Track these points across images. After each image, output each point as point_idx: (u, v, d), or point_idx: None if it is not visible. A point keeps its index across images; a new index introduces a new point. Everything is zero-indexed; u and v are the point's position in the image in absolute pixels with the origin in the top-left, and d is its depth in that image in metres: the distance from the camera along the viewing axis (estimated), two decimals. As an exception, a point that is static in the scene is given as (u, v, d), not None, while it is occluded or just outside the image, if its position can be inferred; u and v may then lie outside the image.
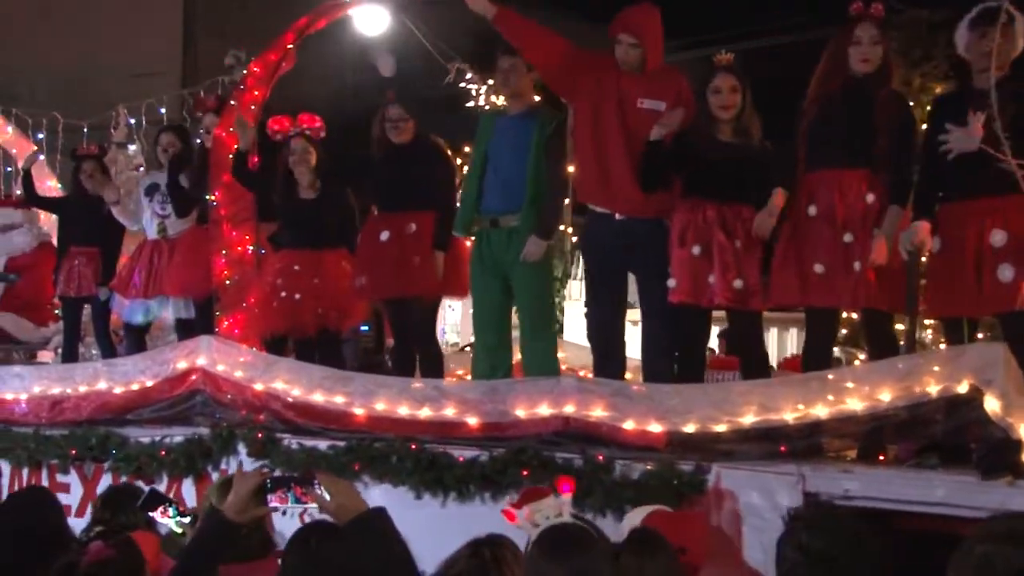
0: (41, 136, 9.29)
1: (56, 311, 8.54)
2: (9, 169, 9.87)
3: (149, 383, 6.43)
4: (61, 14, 15.37)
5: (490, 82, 7.77)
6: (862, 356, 6.55)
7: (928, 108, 5.24)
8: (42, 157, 9.50)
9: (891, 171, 4.78)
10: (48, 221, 8.84)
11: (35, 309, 8.48)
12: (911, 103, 5.32)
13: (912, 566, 3.19)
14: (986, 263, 4.47)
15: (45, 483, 6.61)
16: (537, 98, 6.06)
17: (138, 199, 7.38)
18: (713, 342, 8.06)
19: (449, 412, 5.35)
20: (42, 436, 6.69)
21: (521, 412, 5.11)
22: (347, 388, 5.72)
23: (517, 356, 6.04)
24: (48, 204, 8.39)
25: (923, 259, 4.80)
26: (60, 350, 8.39)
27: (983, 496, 3.88)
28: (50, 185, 9.60)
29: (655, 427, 4.72)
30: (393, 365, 6.39)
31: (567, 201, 6.73)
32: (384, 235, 6.04)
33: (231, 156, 6.62)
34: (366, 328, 6.99)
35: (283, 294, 6.26)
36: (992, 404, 4.04)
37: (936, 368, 4.15)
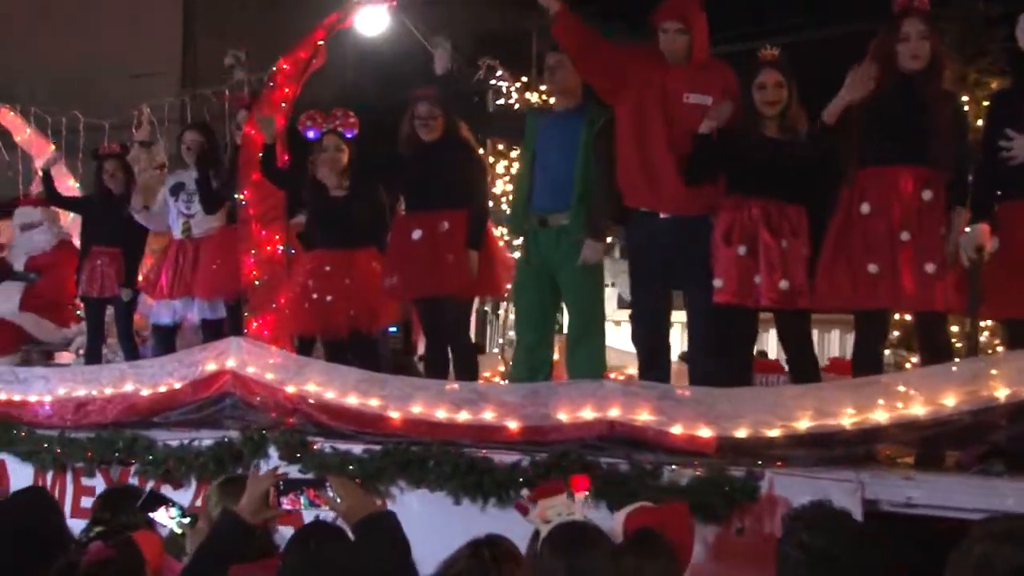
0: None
1: (78, 312, 8.43)
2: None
3: (177, 385, 6.33)
4: (61, 14, 15.31)
5: (525, 79, 7.66)
6: (913, 359, 6.42)
7: (984, 104, 5.11)
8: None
9: (948, 171, 4.66)
10: (68, 221, 8.74)
11: (56, 309, 8.36)
12: (966, 98, 5.19)
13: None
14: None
15: (70, 486, 6.54)
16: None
17: (163, 199, 7.28)
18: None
19: (488, 415, 5.24)
20: (67, 439, 6.59)
21: (563, 416, 5.00)
22: (382, 391, 5.62)
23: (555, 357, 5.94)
24: (70, 204, 8.29)
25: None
26: (81, 351, 8.30)
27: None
28: (69, 185, 9.52)
29: (704, 432, 4.60)
30: (426, 366, 6.28)
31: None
32: (416, 234, 5.92)
33: (260, 154, 6.50)
34: (394, 330, 6.87)
35: (314, 295, 6.14)
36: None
37: (1003, 372, 4.03)
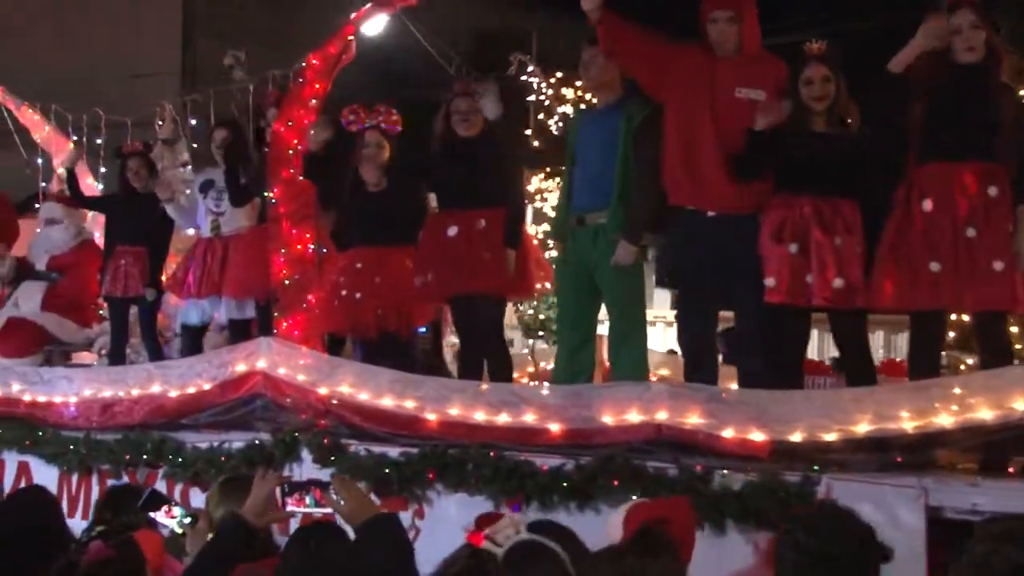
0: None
1: (100, 311, 8.33)
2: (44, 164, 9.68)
3: (206, 386, 6.23)
4: (61, 15, 15.30)
5: (559, 75, 7.54)
6: (969, 361, 6.29)
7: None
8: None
9: (1013, 166, 4.53)
10: (90, 220, 8.64)
11: (78, 309, 8.24)
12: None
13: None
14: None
15: (96, 489, 6.44)
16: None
17: (193, 196, 7.18)
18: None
19: (529, 418, 5.12)
20: (93, 441, 6.51)
21: (608, 419, 4.87)
22: (418, 392, 5.50)
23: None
24: (94, 203, 8.19)
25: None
26: (103, 351, 8.20)
27: None
28: (88, 183, 9.42)
29: (757, 435, 4.47)
30: (460, 367, 6.15)
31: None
32: (452, 231, 5.80)
33: (291, 152, 6.38)
34: (423, 330, 6.74)
35: (343, 293, 6.02)
36: None
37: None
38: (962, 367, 6.37)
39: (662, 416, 4.70)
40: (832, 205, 4.81)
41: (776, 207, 4.88)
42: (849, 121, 4.95)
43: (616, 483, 4.60)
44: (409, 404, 5.49)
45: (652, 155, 5.41)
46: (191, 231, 7.46)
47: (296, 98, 6.50)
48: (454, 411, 5.36)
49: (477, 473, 5.05)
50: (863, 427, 4.26)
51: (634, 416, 4.79)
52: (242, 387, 6.09)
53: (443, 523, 5.05)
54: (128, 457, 6.26)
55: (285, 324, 6.28)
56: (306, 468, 5.66)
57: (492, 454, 5.05)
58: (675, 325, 5.43)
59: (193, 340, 7.18)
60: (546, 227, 6.86)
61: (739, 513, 4.29)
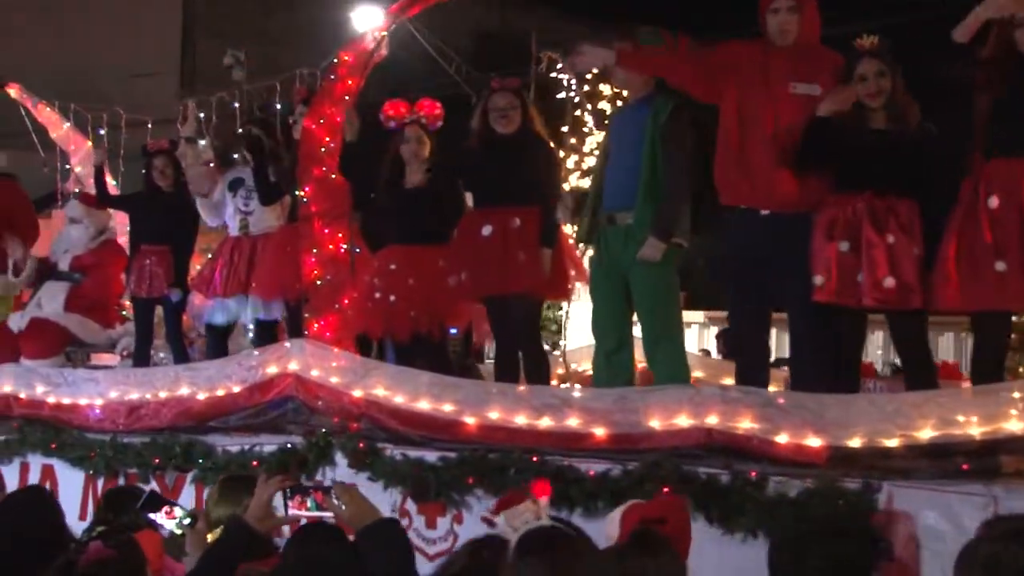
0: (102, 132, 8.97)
1: (123, 312, 8.23)
2: (67, 166, 9.58)
3: (236, 388, 6.10)
4: (60, 15, 15.25)
5: (596, 70, 7.39)
6: (1025, 366, 6.16)
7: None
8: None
9: None
10: (118, 220, 8.54)
11: (101, 310, 8.14)
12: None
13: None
14: None
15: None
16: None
17: (222, 194, 7.07)
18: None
19: (573, 422, 4.98)
20: (120, 443, 6.38)
21: (656, 423, 4.74)
22: (456, 395, 5.37)
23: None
24: (120, 202, 8.09)
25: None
26: (125, 352, 8.10)
27: None
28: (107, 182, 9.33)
29: (813, 441, 4.33)
30: (496, 368, 6.03)
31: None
32: (486, 230, 5.69)
33: (323, 150, 6.26)
34: (453, 330, 6.63)
35: (377, 295, 5.90)
36: None
37: None
38: (1021, 370, 6.24)
39: (712, 420, 4.57)
40: (887, 203, 4.67)
41: (830, 205, 4.75)
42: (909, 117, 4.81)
43: (666, 489, 4.47)
44: (447, 407, 5.36)
45: (680, 151, 5.32)
46: (215, 224, 7.34)
47: (328, 95, 6.38)
48: (494, 415, 5.22)
49: (519, 478, 4.91)
50: (926, 433, 4.12)
51: (683, 420, 4.65)
52: (273, 389, 5.96)
53: (482, 529, 4.93)
54: (156, 460, 6.15)
55: (317, 325, 6.16)
56: (340, 472, 5.55)
57: (535, 459, 4.94)
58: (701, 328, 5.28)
59: (218, 340, 7.07)
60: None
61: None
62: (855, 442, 4.26)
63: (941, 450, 4.08)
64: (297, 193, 6.39)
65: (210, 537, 3.59)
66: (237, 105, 7.82)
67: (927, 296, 4.60)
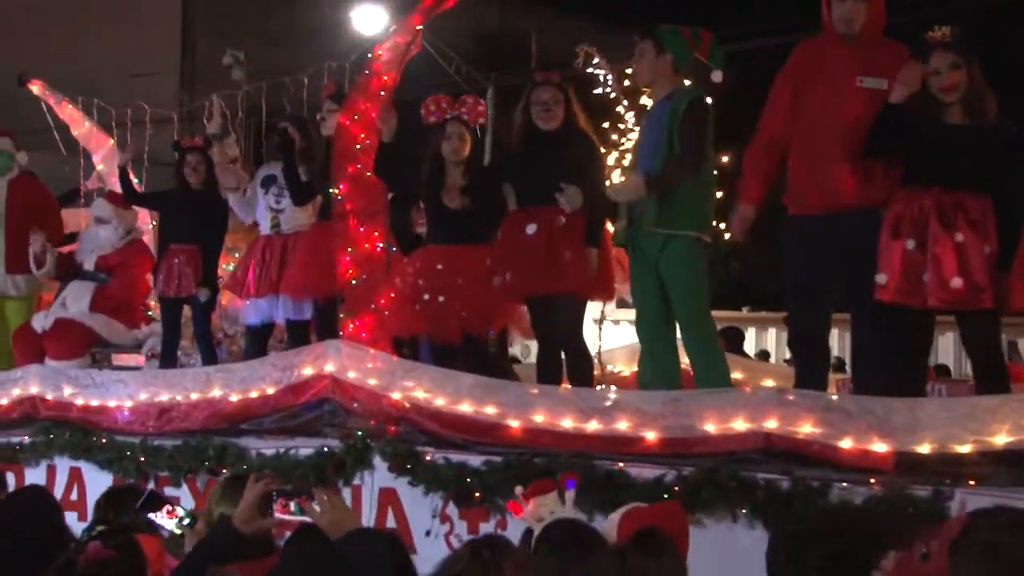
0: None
1: (148, 312, 8.11)
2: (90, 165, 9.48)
3: (270, 390, 5.96)
4: (60, 14, 15.18)
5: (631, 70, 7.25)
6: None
7: None
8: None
9: None
10: (144, 219, 8.43)
11: (127, 310, 8.01)
12: None
13: None
14: None
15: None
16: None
17: (254, 190, 6.95)
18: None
19: (622, 425, 4.85)
20: (151, 446, 6.26)
21: (711, 427, 4.60)
22: (499, 398, 5.24)
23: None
24: (148, 200, 7.96)
25: None
26: (151, 353, 7.97)
27: None
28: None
29: (879, 446, 4.19)
30: (538, 370, 5.88)
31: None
32: (531, 229, 5.54)
33: (358, 147, 6.12)
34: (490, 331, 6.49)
35: (426, 296, 5.74)
36: None
37: None
38: (1088, 373, 6.09)
39: (771, 425, 4.43)
40: (956, 199, 4.49)
41: (898, 201, 4.58)
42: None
43: (723, 496, 4.34)
44: (490, 410, 5.24)
45: (700, 138, 5.18)
46: (248, 220, 7.22)
47: (363, 90, 6.23)
48: (539, 417, 5.10)
49: (568, 484, 4.79)
50: (1001, 438, 3.98)
51: (740, 424, 4.52)
52: (308, 391, 5.82)
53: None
54: (188, 464, 6.03)
55: (352, 326, 6.03)
56: (379, 476, 5.43)
57: (583, 463, 4.81)
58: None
59: (254, 341, 6.95)
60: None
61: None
62: (924, 448, 4.12)
63: (1018, 457, 3.93)
64: (331, 191, 6.24)
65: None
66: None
67: (1001, 296, 4.43)
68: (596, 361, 7.26)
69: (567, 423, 5.00)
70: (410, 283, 5.84)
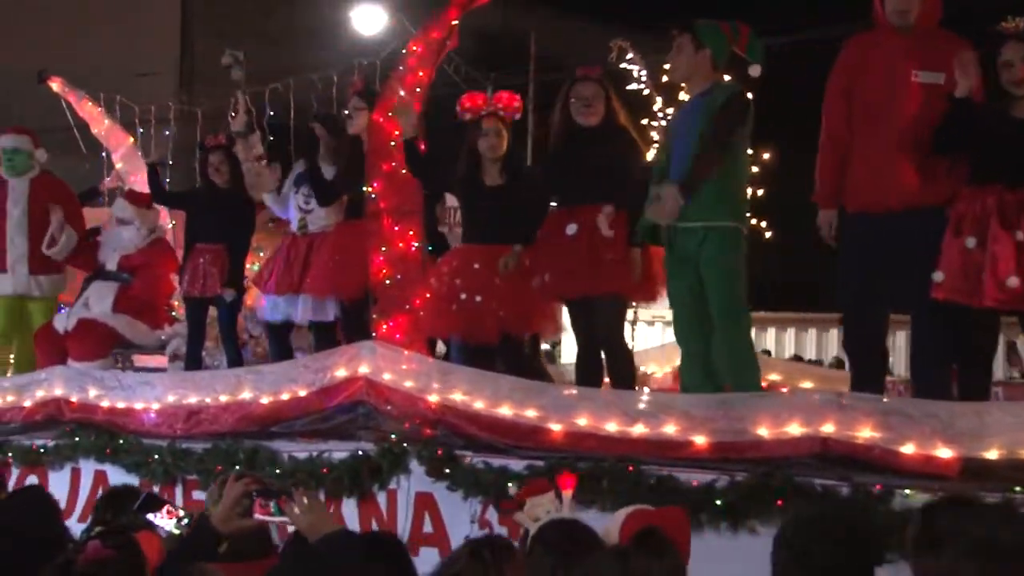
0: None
1: (172, 312, 7.99)
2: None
3: (302, 392, 5.83)
4: (59, 15, 15.14)
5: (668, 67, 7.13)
6: None
7: None
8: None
9: None
10: (164, 218, 8.33)
11: (150, 311, 7.90)
12: None
13: None
14: None
15: (180, 500, 6.09)
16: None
17: (289, 187, 6.85)
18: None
19: (670, 429, 4.71)
20: (179, 449, 6.14)
21: (764, 431, 4.46)
22: (540, 400, 5.11)
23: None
24: (175, 200, 7.85)
25: None
26: (172, 354, 7.86)
27: None
28: (142, 179, 9.12)
29: (944, 452, 4.04)
30: (577, 371, 5.76)
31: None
32: (571, 229, 5.42)
33: (393, 144, 6.00)
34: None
35: (463, 296, 5.61)
36: None
37: None
38: None
39: (828, 429, 4.29)
40: (1019, 198, 4.36)
41: (962, 199, 4.45)
42: None
43: (780, 503, 4.21)
44: (530, 413, 5.11)
45: (721, 131, 5.05)
46: (284, 216, 7.11)
47: (397, 86, 6.11)
48: (582, 421, 4.96)
49: (613, 489, 4.67)
50: (1074, 444, 3.85)
51: (795, 429, 4.37)
52: (342, 393, 5.69)
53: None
54: (219, 467, 5.90)
55: (386, 327, 5.90)
56: (416, 480, 5.31)
57: (629, 468, 4.68)
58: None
59: (278, 338, 6.85)
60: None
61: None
62: (992, 454, 3.98)
63: (1091, 462, 3.80)
64: (365, 189, 6.11)
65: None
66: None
67: None
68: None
69: (611, 426, 4.87)
70: (446, 283, 5.71)
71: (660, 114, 6.87)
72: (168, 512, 3.60)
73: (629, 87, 6.78)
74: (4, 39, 15.08)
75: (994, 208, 4.35)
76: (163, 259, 7.93)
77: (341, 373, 5.72)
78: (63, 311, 8.08)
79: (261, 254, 7.80)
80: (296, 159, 7.16)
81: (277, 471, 5.66)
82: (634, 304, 6.79)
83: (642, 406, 4.85)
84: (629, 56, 6.91)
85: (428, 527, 5.26)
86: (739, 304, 5.20)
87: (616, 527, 3.33)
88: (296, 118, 8.51)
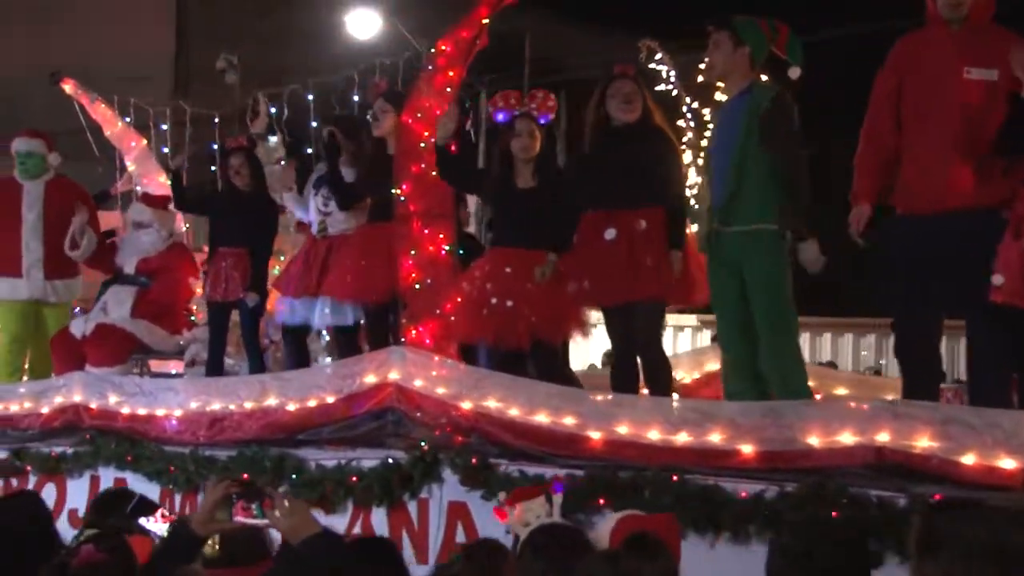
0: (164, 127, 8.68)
1: (191, 317, 7.87)
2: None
3: (330, 399, 5.71)
4: (53, 18, 15.07)
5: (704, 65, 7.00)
6: None
7: None
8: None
9: None
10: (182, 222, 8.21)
11: (169, 315, 7.78)
12: None
13: None
14: None
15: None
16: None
17: (309, 188, 6.73)
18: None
19: (715, 438, 4.58)
20: (202, 457, 6.02)
21: (815, 440, 4.32)
22: (579, 408, 4.98)
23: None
24: (197, 205, 7.72)
25: None
26: (191, 360, 7.74)
27: None
28: (160, 182, 9.01)
29: (1007, 462, 3.90)
30: (613, 378, 5.63)
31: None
32: (610, 234, 5.29)
33: (423, 146, 5.87)
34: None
35: (494, 300, 5.48)
36: None
37: None
38: None
39: (883, 438, 4.15)
40: None
41: (1022, 200, 4.32)
42: None
43: (835, 514, 4.07)
44: (568, 420, 4.98)
45: (793, 141, 4.92)
46: (307, 219, 7.00)
47: (426, 87, 5.98)
48: (622, 429, 4.83)
49: (656, 499, 4.54)
50: None
51: (847, 438, 4.24)
52: (371, 400, 5.56)
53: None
54: (244, 475, 5.76)
55: (415, 332, 5.77)
56: (449, 489, 5.18)
57: (673, 477, 4.55)
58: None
59: (295, 342, 6.75)
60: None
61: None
62: (1057, 463, 3.85)
63: None
64: (393, 191, 5.98)
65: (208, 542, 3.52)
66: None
67: None
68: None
69: (654, 434, 4.74)
70: (477, 287, 5.58)
71: (688, 113, 6.77)
72: (162, 516, 3.64)
73: (658, 88, 6.66)
74: (15, 40, 15.00)
75: None
76: (181, 263, 7.83)
77: (370, 379, 5.59)
78: (78, 312, 7.98)
79: (282, 258, 7.68)
80: (316, 161, 7.03)
81: (305, 479, 5.55)
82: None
83: (685, 414, 4.72)
84: (658, 56, 6.78)
85: (461, 536, 5.13)
86: (787, 308, 5.07)
87: (607, 532, 3.34)
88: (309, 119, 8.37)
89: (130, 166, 9.31)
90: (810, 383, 6.11)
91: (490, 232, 6.69)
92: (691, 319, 15.33)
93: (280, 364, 7.42)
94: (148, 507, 3.78)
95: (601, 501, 4.66)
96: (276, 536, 3.59)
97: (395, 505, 5.32)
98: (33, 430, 6.68)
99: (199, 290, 7.76)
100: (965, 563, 2.23)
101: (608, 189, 5.38)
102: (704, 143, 6.01)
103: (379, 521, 5.37)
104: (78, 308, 8.02)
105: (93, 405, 6.54)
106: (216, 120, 8.65)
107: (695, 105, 6.87)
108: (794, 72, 5.14)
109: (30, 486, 6.52)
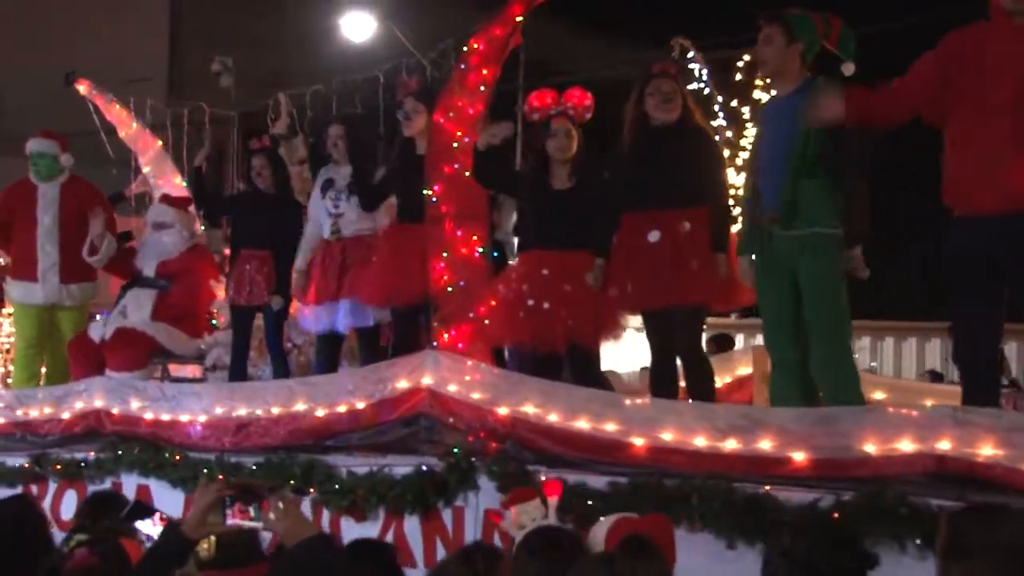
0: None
1: (212, 321, 7.73)
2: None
3: (360, 405, 5.57)
4: (48, 21, 15.02)
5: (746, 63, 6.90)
6: None
7: None
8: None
9: None
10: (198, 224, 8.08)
11: (190, 319, 7.64)
12: None
13: None
14: None
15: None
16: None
17: (316, 195, 6.61)
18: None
19: (765, 445, 4.45)
20: (228, 463, 5.88)
21: (871, 447, 4.19)
22: (621, 413, 4.85)
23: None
24: (219, 206, 7.60)
25: None
26: (211, 365, 7.61)
27: None
28: (175, 183, 8.91)
29: (1076, 471, 3.80)
30: (652, 382, 5.50)
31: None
32: (653, 236, 5.17)
33: (455, 146, 5.75)
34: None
35: (530, 303, 5.35)
36: None
37: None
38: None
39: (944, 446, 4.02)
40: None
41: None
42: None
43: (891, 524, 3.94)
44: (610, 427, 4.85)
45: (861, 149, 4.78)
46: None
47: (459, 86, 5.85)
48: (667, 435, 4.71)
49: (704, 508, 4.41)
50: None
51: (906, 445, 4.11)
52: (403, 405, 5.43)
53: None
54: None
55: (448, 336, 5.64)
56: (485, 497, 5.04)
57: (721, 486, 4.42)
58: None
59: (326, 350, 6.59)
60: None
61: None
62: None
63: None
64: (426, 192, 5.85)
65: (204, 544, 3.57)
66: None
67: None
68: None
69: (700, 441, 4.61)
70: (513, 289, 5.45)
71: (720, 113, 6.66)
72: (161, 519, 3.61)
73: (689, 87, 6.55)
74: (33, 42, 14.93)
75: None
76: (202, 265, 7.70)
77: (402, 384, 5.46)
78: (96, 318, 7.85)
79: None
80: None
81: (335, 486, 5.42)
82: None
83: (733, 420, 4.59)
84: (691, 54, 6.66)
85: (498, 544, 5.01)
86: (842, 313, 4.93)
87: (601, 535, 3.35)
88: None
89: (145, 168, 9.21)
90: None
91: (516, 236, 6.57)
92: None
93: (303, 368, 7.31)
94: (145, 511, 3.74)
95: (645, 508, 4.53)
96: (266, 537, 3.65)
97: (428, 513, 5.19)
98: (54, 436, 6.56)
99: (220, 293, 7.62)
100: (992, 566, 2.26)
101: (651, 190, 5.26)
102: (743, 142, 5.90)
103: (412, 529, 5.24)
104: (98, 316, 7.89)
105: (115, 410, 6.42)
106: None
107: (733, 103, 6.74)
108: (848, 68, 4.99)
109: (49, 493, 6.41)
